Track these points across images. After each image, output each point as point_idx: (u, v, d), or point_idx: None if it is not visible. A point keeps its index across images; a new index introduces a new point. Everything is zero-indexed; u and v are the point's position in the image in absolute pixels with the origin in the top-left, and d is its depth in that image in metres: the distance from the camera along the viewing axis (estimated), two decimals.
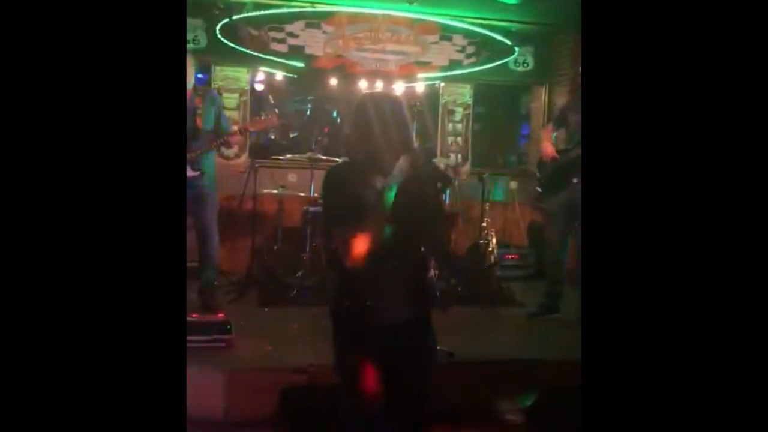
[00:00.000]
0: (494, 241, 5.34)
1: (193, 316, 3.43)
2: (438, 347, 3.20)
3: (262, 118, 4.01)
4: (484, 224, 5.24)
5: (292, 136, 7.31)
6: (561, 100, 4.12)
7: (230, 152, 4.69)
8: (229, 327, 3.40)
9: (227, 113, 4.54)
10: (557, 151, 4.06)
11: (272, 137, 6.96)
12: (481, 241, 5.20)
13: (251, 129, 3.94)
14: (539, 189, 4.24)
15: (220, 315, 3.60)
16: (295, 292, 4.54)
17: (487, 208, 5.29)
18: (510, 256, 5.63)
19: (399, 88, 6.15)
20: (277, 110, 4.32)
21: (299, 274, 4.69)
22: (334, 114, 8.16)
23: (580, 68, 3.96)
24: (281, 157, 5.44)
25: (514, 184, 6.11)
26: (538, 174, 4.29)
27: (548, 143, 4.12)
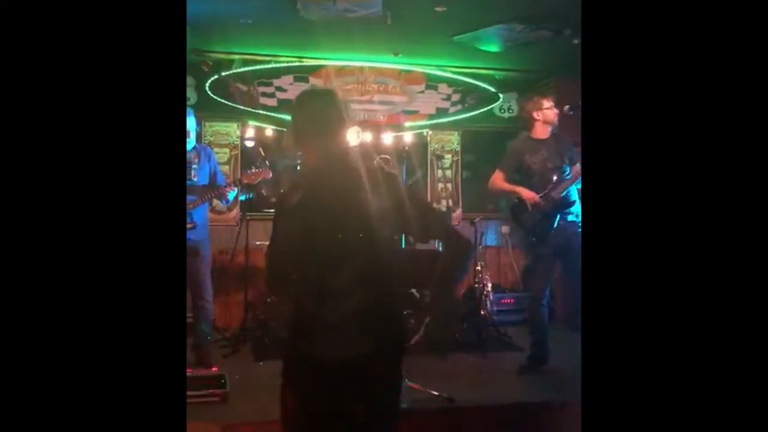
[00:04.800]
0: (489, 285, 5.33)
1: (188, 370, 3.37)
2: (437, 393, 3.15)
3: (255, 171, 4.05)
4: (479, 268, 5.24)
5: (282, 191, 7.33)
6: (512, 145, 3.90)
7: (222, 206, 4.72)
8: (223, 381, 3.34)
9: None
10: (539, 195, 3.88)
11: (264, 193, 6.98)
12: (476, 285, 5.18)
13: (245, 181, 3.97)
14: (533, 238, 3.95)
15: (214, 369, 3.53)
16: None
17: (480, 251, 5.29)
18: (506, 301, 5.60)
19: (388, 137, 6.23)
20: (268, 163, 4.35)
21: None
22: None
23: (566, 108, 3.98)
24: (272, 210, 5.45)
25: (505, 229, 6.12)
26: (520, 221, 4.01)
27: (526, 189, 3.89)
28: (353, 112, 5.80)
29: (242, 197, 5.15)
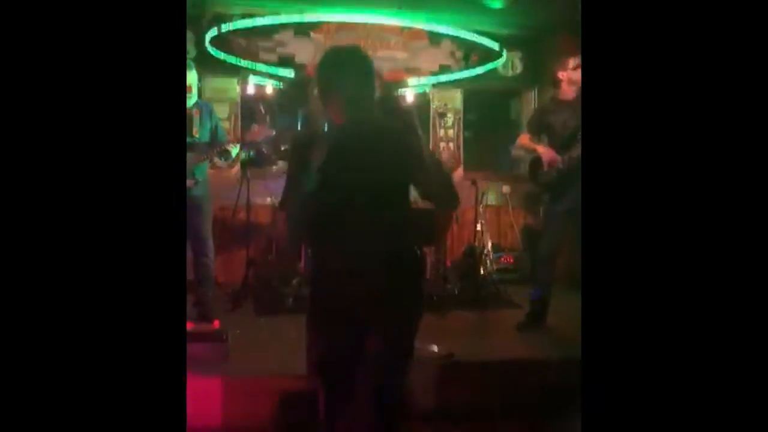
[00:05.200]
0: (489, 244, 5.35)
1: (189, 325, 3.40)
2: (436, 350, 3.19)
3: (257, 129, 4.03)
4: (479, 228, 5.24)
5: (283, 148, 7.30)
6: (539, 104, 3.94)
7: (223, 163, 4.70)
8: (225, 336, 3.37)
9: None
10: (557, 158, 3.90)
11: (264, 151, 6.94)
12: (476, 245, 5.19)
13: (248, 139, 3.95)
14: (545, 197, 4.03)
15: (216, 323, 3.57)
16: (291, 300, 4.51)
17: (481, 211, 5.29)
18: (505, 260, 5.63)
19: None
20: (268, 117, 4.32)
21: (295, 281, 4.66)
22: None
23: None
24: (273, 167, 5.42)
25: (506, 188, 6.10)
26: (538, 180, 4.07)
27: (546, 148, 3.95)
28: None
29: (243, 156, 5.14)
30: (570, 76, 3.88)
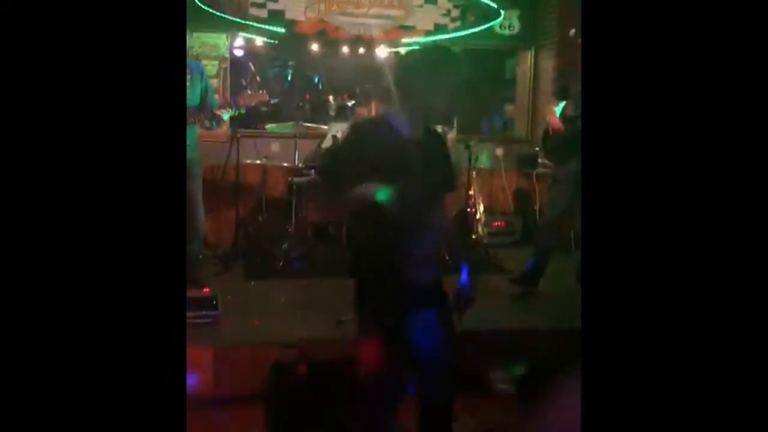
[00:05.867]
0: (481, 208, 5.32)
1: None
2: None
3: (251, 93, 3.93)
4: (471, 192, 5.20)
5: (272, 102, 7.17)
6: (558, 69, 3.97)
7: (213, 126, 4.61)
8: (215, 302, 3.35)
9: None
10: (563, 122, 3.96)
11: (252, 104, 6.83)
12: (468, 209, 5.16)
13: (240, 103, 3.86)
14: (546, 161, 4.19)
15: (206, 290, 3.54)
16: (281, 264, 4.49)
17: (473, 175, 5.24)
18: (496, 224, 5.61)
19: (382, 52, 6.02)
20: (258, 78, 4.21)
21: (285, 246, 4.62)
22: (316, 80, 8.02)
23: (572, 31, 3.83)
24: (265, 126, 5.32)
25: (499, 151, 6.05)
26: (544, 144, 4.21)
27: (553, 115, 4.02)
28: (348, 26, 5.55)
29: (233, 113, 5.03)
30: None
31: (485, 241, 5.21)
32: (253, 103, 3.87)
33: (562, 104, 4.07)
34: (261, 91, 3.92)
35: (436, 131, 2.24)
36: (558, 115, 4.04)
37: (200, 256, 4.09)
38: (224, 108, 3.81)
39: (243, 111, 5.05)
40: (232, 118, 4.50)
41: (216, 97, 3.87)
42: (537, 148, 5.15)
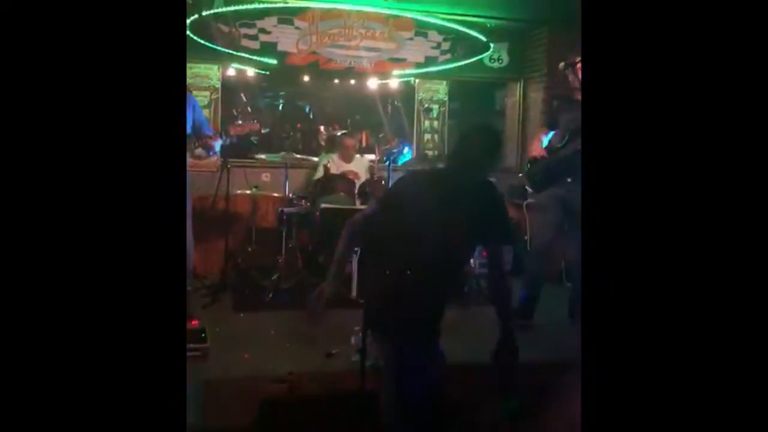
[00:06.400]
0: None
1: None
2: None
3: (242, 123, 3.96)
4: None
5: (264, 131, 7.19)
6: (548, 100, 4.04)
7: (205, 154, 4.61)
8: (204, 335, 3.29)
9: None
10: (547, 150, 3.99)
11: (253, 140, 6.84)
12: None
13: (232, 132, 3.87)
14: (528, 188, 4.18)
15: (195, 322, 3.48)
16: (270, 295, 4.44)
17: None
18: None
19: (373, 84, 6.07)
20: (250, 108, 4.23)
21: (275, 277, 4.58)
22: (307, 109, 8.05)
23: (561, 64, 3.86)
24: (255, 156, 5.32)
25: (492, 179, 6.06)
26: (526, 171, 4.23)
27: (537, 143, 4.06)
28: (339, 59, 5.60)
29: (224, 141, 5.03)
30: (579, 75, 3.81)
31: (476, 272, 5.18)
32: (244, 133, 3.87)
33: (552, 133, 4.10)
34: (253, 121, 3.94)
35: (491, 183, 2.34)
36: (545, 144, 4.07)
37: (189, 288, 4.03)
38: (216, 137, 3.81)
39: (234, 141, 5.08)
40: (222, 147, 4.51)
41: (211, 127, 3.86)
42: (521, 174, 5.18)
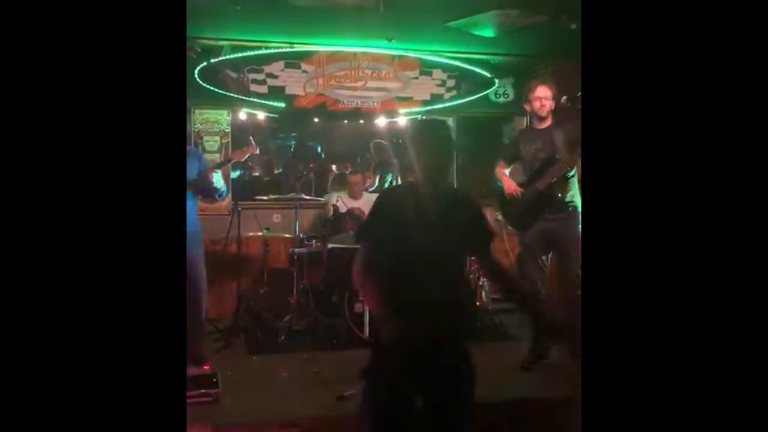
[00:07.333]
0: None
1: None
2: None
3: (242, 149, 4.08)
4: (473, 257, 5.16)
5: (276, 172, 7.26)
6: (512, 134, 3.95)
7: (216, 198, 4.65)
8: (215, 380, 3.28)
9: (208, 157, 4.55)
10: (520, 185, 3.89)
11: (256, 174, 6.91)
12: (471, 275, 5.12)
13: (233, 159, 3.98)
14: (511, 227, 4.06)
15: (206, 367, 3.48)
16: (283, 337, 4.43)
17: None
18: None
19: (381, 123, 6.13)
20: (251, 138, 4.32)
21: (287, 318, 4.57)
22: (318, 149, 8.13)
23: (563, 98, 3.86)
24: (265, 198, 5.36)
25: (500, 215, 6.05)
26: (504, 211, 4.09)
27: (508, 180, 3.94)
28: (346, 99, 5.68)
29: (233, 175, 5.06)
30: (533, 105, 3.79)
31: (489, 307, 5.15)
32: (245, 157, 3.96)
33: (511, 166, 4.05)
34: (252, 144, 4.01)
35: (466, 193, 2.40)
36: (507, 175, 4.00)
37: (202, 334, 4.02)
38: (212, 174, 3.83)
39: (242, 171, 5.11)
40: (233, 184, 4.55)
41: (220, 178, 3.87)
42: (498, 216, 4.97)
